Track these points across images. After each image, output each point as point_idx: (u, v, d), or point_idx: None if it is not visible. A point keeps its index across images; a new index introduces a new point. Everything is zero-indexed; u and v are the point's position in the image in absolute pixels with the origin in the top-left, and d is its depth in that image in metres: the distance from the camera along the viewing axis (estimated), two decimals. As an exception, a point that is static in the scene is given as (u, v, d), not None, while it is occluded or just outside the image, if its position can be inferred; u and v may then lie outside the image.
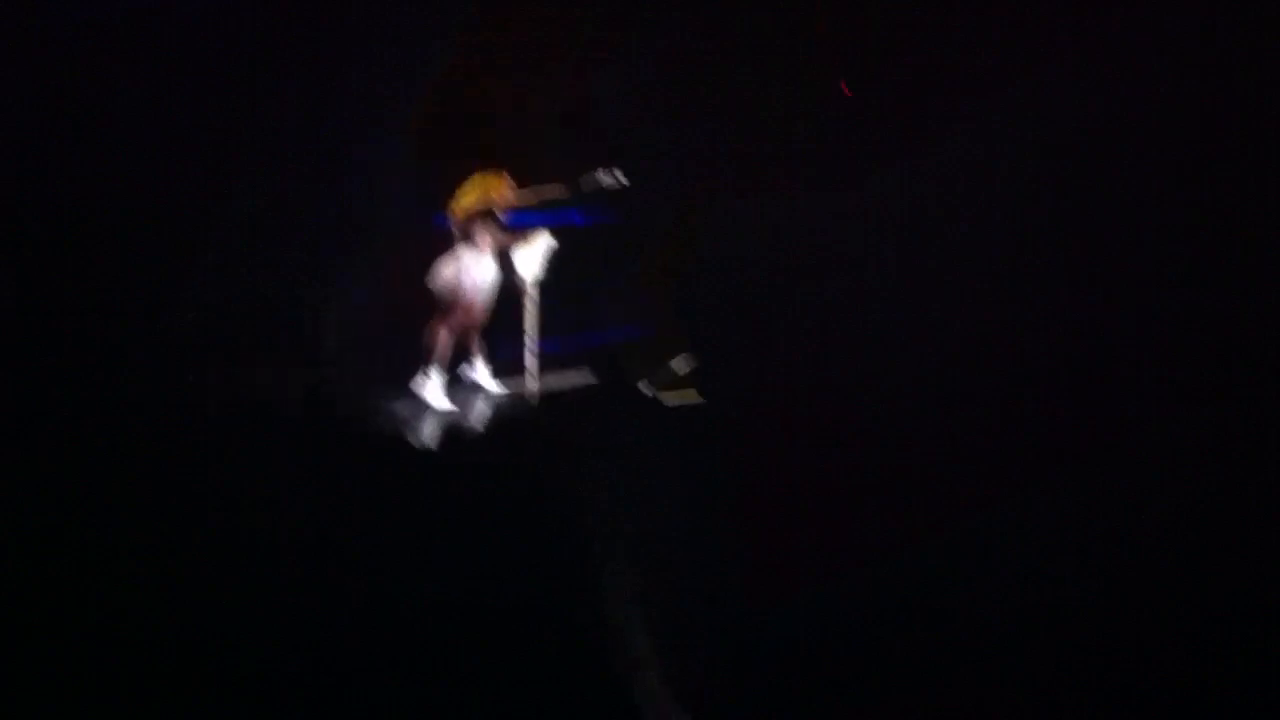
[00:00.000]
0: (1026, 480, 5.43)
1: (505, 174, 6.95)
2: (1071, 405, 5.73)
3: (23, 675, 5.15)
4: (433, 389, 6.83)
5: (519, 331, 7.02)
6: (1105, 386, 5.74)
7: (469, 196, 6.92)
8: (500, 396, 7.06)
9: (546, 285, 7.01)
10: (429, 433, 6.62)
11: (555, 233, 7.02)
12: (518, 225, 7.05)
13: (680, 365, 6.89)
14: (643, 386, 6.79)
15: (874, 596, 5.18)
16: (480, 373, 7.12)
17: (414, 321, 6.99)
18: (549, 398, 6.99)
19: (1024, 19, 6.48)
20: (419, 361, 6.87)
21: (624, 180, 6.82)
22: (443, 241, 6.94)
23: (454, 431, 6.66)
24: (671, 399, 6.69)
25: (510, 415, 6.87)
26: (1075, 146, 6.25)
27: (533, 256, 6.96)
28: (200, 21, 7.08)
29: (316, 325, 7.00)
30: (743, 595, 5.27)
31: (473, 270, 6.87)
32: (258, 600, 5.27)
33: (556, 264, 7.02)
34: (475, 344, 7.08)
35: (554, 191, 6.97)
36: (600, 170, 6.80)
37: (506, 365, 7.13)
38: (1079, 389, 5.78)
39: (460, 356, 7.06)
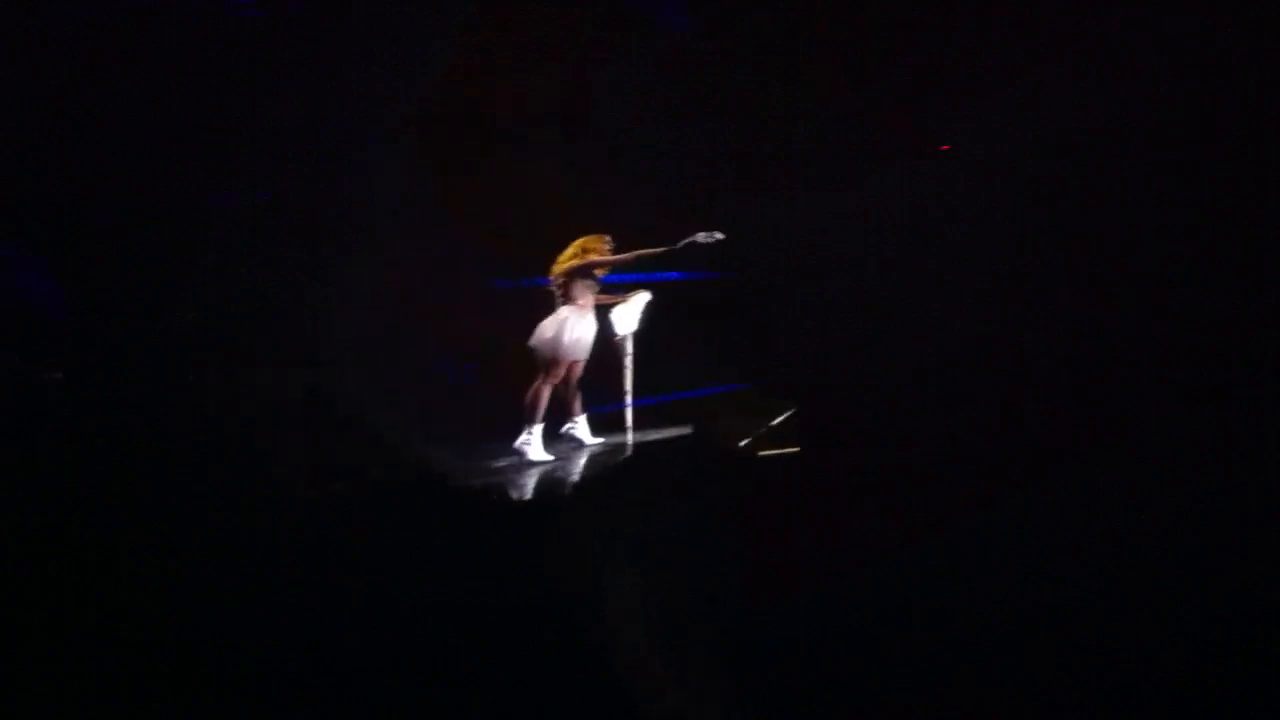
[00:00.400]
0: (1026, 480, 5.40)
1: (606, 236, 7.08)
2: (1071, 405, 5.70)
3: (23, 675, 5.18)
4: (535, 446, 6.93)
5: (619, 388, 7.16)
6: (1105, 386, 5.72)
7: (569, 257, 7.06)
8: (597, 449, 7.18)
9: (645, 342, 7.13)
10: (528, 485, 6.66)
11: (654, 290, 7.19)
12: (616, 283, 7.22)
13: (779, 420, 6.93)
14: (740, 440, 6.77)
15: (874, 596, 5.19)
16: (580, 428, 7.25)
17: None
18: (644, 451, 7.05)
19: (1024, 19, 6.47)
20: (522, 421, 6.97)
21: (720, 238, 6.82)
22: (544, 301, 7.09)
23: (552, 481, 6.70)
24: (768, 453, 6.65)
25: (606, 466, 6.93)
26: (1075, 146, 6.23)
27: (630, 313, 7.12)
28: (200, 21, 7.08)
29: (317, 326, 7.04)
30: (743, 595, 5.29)
31: (573, 328, 6.98)
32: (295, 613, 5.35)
33: (655, 321, 7.15)
34: (575, 400, 7.21)
35: (654, 251, 7.01)
36: (700, 233, 6.81)
37: (606, 420, 7.26)
38: (1079, 389, 5.76)
39: (561, 413, 7.19)
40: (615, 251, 7.04)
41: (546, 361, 6.96)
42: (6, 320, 6.85)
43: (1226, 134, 5.93)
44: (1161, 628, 4.82)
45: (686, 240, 6.83)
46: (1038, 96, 6.35)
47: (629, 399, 7.12)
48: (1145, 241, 5.98)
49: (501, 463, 6.94)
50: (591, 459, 7.05)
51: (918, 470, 5.52)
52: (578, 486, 6.65)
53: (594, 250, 7.02)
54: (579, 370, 7.09)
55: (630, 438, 7.11)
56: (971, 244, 6.35)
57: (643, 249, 7.00)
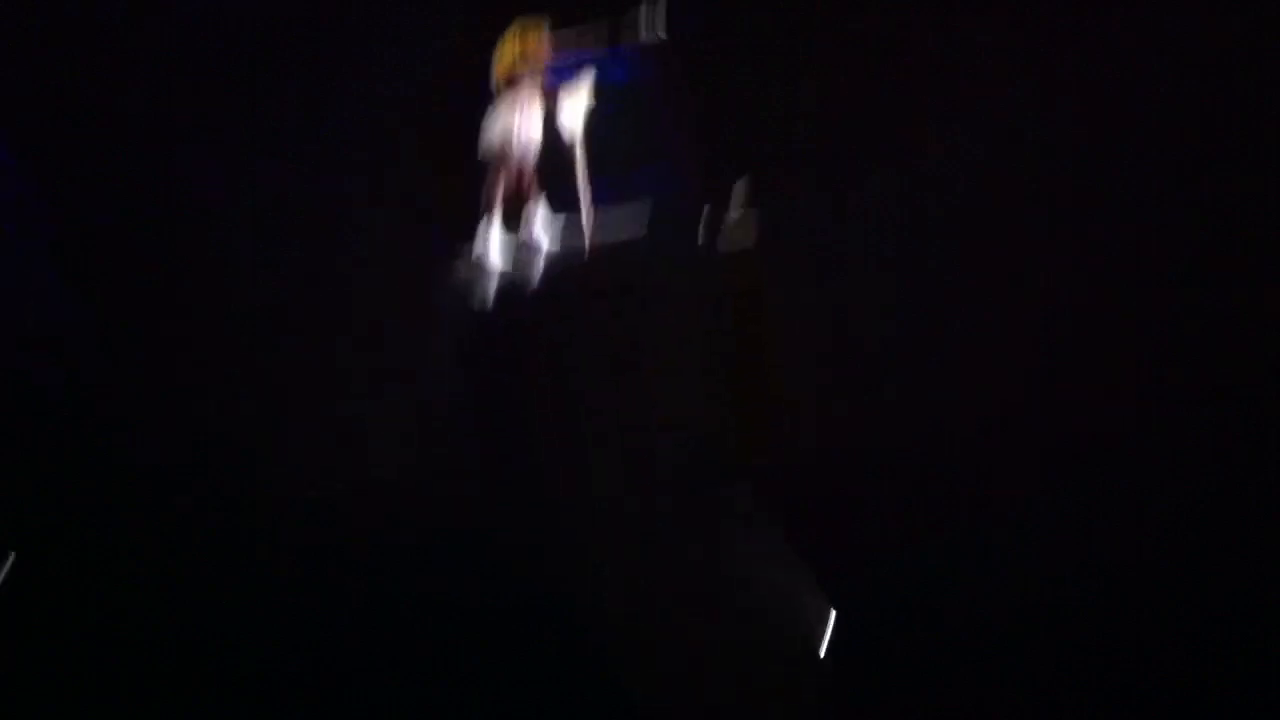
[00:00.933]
0: (1026, 480, 5.52)
1: (543, 25, 6.89)
2: (1072, 405, 5.77)
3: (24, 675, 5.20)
4: (492, 246, 6.83)
5: (572, 186, 6.92)
6: (1106, 386, 5.76)
7: (507, 53, 6.88)
8: (554, 252, 6.97)
9: (595, 136, 6.88)
10: (485, 294, 6.71)
11: (599, 85, 6.93)
12: (559, 78, 6.97)
13: (733, 210, 6.80)
14: (697, 233, 6.68)
15: (874, 596, 5.23)
16: (537, 230, 7.03)
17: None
18: (602, 249, 6.86)
19: (1024, 18, 6.45)
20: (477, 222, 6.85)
21: (662, 34, 6.75)
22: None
23: (509, 291, 6.73)
24: (725, 245, 6.61)
25: (562, 270, 6.83)
26: (1075, 145, 6.24)
27: (576, 108, 6.89)
28: (200, 21, 7.11)
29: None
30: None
31: (519, 128, 6.84)
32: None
33: (602, 115, 6.91)
34: (529, 202, 7.01)
35: (593, 40, 6.89)
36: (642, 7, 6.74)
37: (563, 220, 7.02)
38: (1079, 389, 5.81)
39: (516, 215, 7.00)
40: (554, 42, 6.87)
41: (496, 164, 6.80)
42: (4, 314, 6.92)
43: (1227, 134, 5.96)
44: (1161, 627, 4.87)
45: (627, 26, 6.74)
46: (1038, 96, 6.34)
47: (584, 197, 6.88)
48: (1145, 241, 5.99)
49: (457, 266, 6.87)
50: (551, 263, 6.94)
51: (918, 469, 5.67)
52: (538, 295, 6.72)
53: (532, 43, 6.84)
54: (530, 171, 6.92)
55: (588, 237, 6.89)
56: (972, 243, 6.34)
57: (583, 37, 6.85)
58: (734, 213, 6.80)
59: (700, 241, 6.72)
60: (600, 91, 6.96)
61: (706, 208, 6.83)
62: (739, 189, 6.78)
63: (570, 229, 7.03)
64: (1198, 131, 6.00)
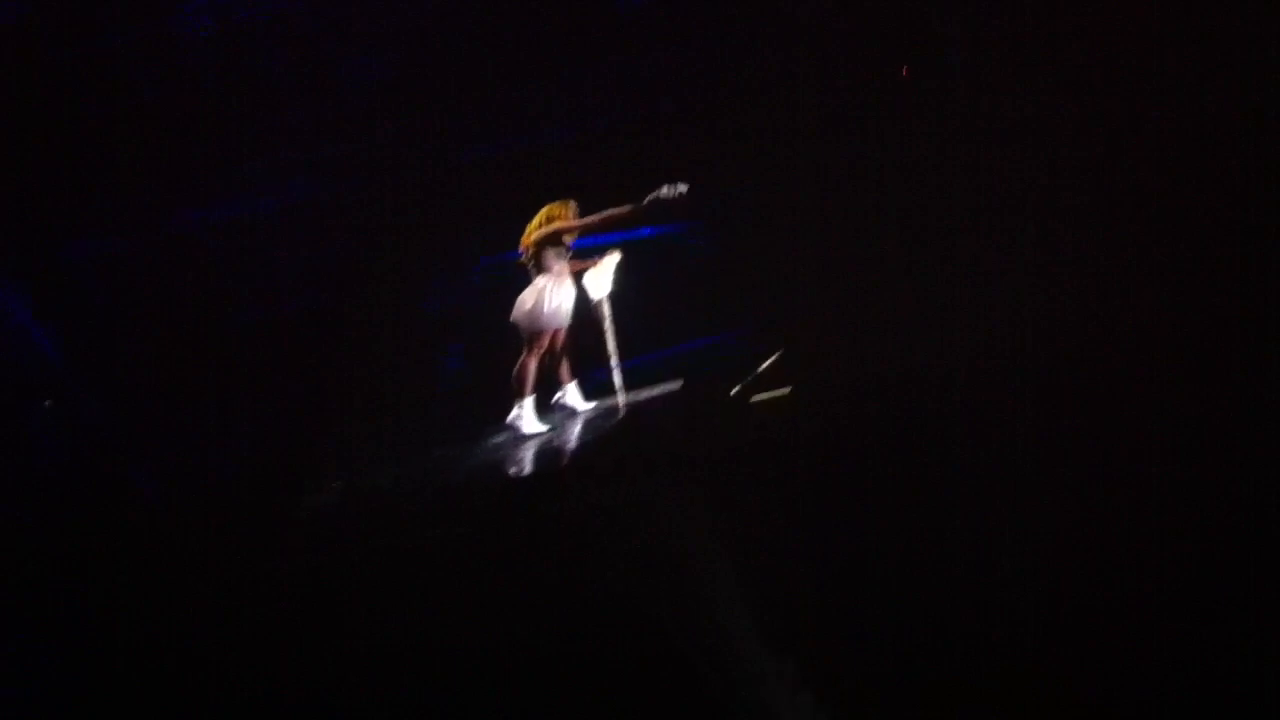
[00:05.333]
0: (1027, 479, 5.41)
1: (571, 201, 7.14)
2: (1072, 405, 5.66)
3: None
4: (528, 418, 7.05)
5: (604, 352, 7.18)
6: (1106, 386, 5.67)
7: (536, 226, 7.13)
8: (591, 413, 7.23)
9: (625, 302, 7.17)
10: (525, 459, 6.77)
11: (628, 249, 7.22)
12: (587, 248, 7.24)
13: (769, 367, 6.86)
14: (733, 392, 6.74)
15: (874, 596, 5.24)
16: (571, 395, 7.32)
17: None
18: (637, 411, 7.07)
19: (1024, 18, 6.48)
20: (512, 398, 7.05)
21: (684, 191, 6.90)
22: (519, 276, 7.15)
23: (548, 452, 6.79)
24: (762, 400, 6.63)
25: (600, 431, 6.97)
26: (1076, 145, 6.24)
27: (603, 276, 7.16)
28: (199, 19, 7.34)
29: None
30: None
31: (550, 297, 7.05)
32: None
33: (633, 280, 7.19)
34: (564, 368, 7.29)
35: (620, 211, 7.05)
36: (664, 186, 6.89)
37: (598, 386, 7.29)
38: (1079, 388, 5.71)
39: (552, 383, 7.26)
40: (581, 215, 7.10)
41: (529, 333, 7.05)
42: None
43: (1227, 134, 5.94)
44: (1161, 627, 4.85)
45: (651, 197, 6.90)
46: (1039, 95, 6.36)
47: (615, 360, 7.14)
48: (1145, 241, 5.97)
49: (497, 439, 7.04)
50: (586, 424, 7.12)
51: (918, 469, 5.55)
52: (574, 454, 6.72)
53: (559, 216, 7.09)
54: (563, 338, 7.17)
55: (622, 399, 7.13)
56: (972, 243, 6.33)
57: (609, 210, 7.04)
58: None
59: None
60: (627, 268, 7.22)
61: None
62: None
63: (604, 395, 7.26)
64: (1198, 131, 5.99)
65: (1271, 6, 5.96)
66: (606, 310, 7.21)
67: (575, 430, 7.10)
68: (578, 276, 7.22)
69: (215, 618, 5.44)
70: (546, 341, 7.14)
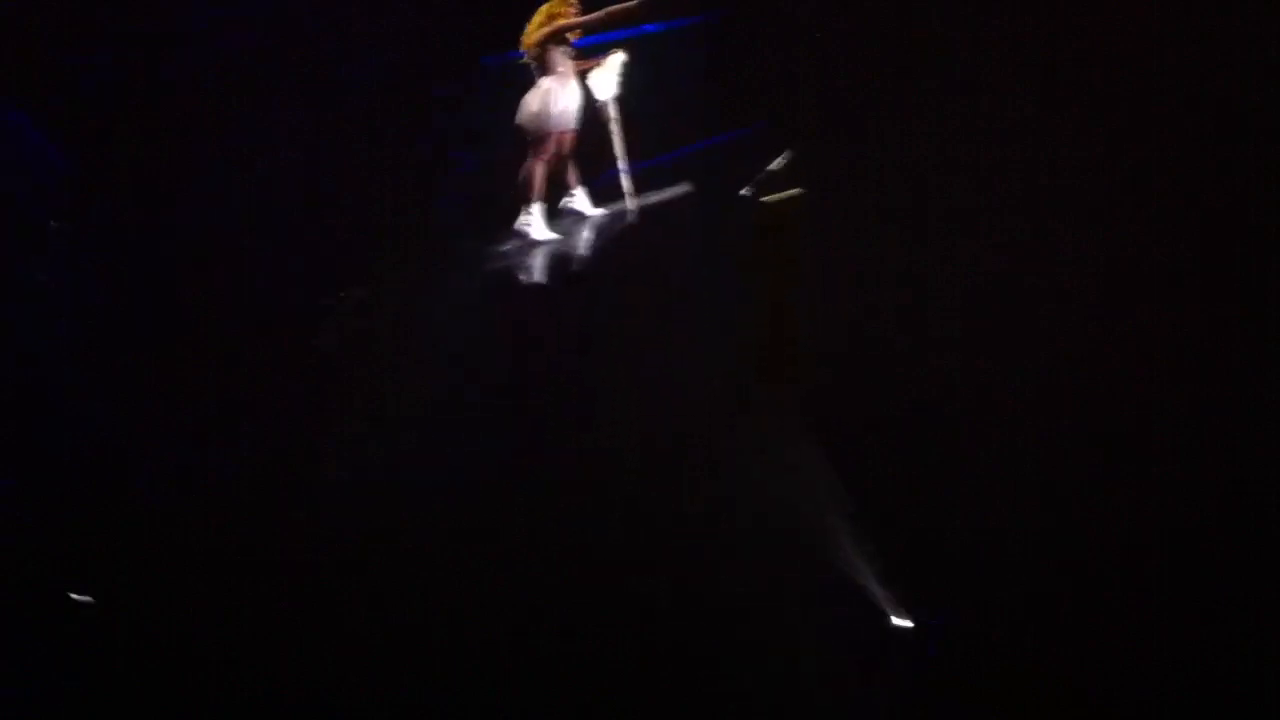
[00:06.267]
0: (1027, 479, 5.54)
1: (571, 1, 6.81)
2: (1072, 405, 5.75)
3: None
4: (536, 224, 7.03)
5: (611, 155, 7.09)
6: (1106, 386, 5.74)
7: (537, 25, 6.89)
8: (600, 218, 7.20)
9: (632, 102, 7.01)
10: (537, 264, 6.91)
11: (635, 45, 6.98)
12: (590, 46, 7.03)
13: (777, 164, 6.72)
14: (742, 191, 6.63)
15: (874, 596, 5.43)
16: (580, 200, 7.23)
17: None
18: (648, 213, 7.06)
19: (1024, 18, 6.12)
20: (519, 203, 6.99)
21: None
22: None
23: (559, 259, 6.91)
24: (771, 199, 6.57)
25: (610, 234, 7.02)
26: (1076, 145, 6.08)
27: (608, 76, 7.00)
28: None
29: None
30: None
31: (556, 98, 6.93)
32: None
33: (639, 78, 7.00)
34: (571, 173, 7.18)
35: (623, 6, 6.81)
36: None
37: (606, 190, 7.19)
38: (1079, 388, 5.76)
39: (559, 188, 7.16)
40: (583, 11, 6.92)
41: (535, 136, 7.00)
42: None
43: (1227, 133, 5.84)
44: (1161, 627, 5.09)
45: None
46: (1039, 95, 6.09)
47: (622, 164, 7.12)
48: (1145, 241, 5.92)
49: (506, 246, 7.09)
50: (595, 229, 7.18)
51: (919, 469, 5.73)
52: (585, 259, 6.97)
53: (560, 14, 6.91)
54: (569, 141, 7.11)
55: (630, 203, 7.14)
56: (972, 243, 6.20)
57: (611, 5, 6.88)
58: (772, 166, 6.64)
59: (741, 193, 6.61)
60: (631, 67, 6.83)
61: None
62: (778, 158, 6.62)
63: (612, 197, 7.05)
64: (1198, 131, 5.89)
65: (1271, 6, 5.82)
66: (613, 112, 7.10)
67: (585, 234, 7.16)
68: (582, 77, 7.06)
69: (215, 618, 5.56)
70: (553, 145, 7.07)
